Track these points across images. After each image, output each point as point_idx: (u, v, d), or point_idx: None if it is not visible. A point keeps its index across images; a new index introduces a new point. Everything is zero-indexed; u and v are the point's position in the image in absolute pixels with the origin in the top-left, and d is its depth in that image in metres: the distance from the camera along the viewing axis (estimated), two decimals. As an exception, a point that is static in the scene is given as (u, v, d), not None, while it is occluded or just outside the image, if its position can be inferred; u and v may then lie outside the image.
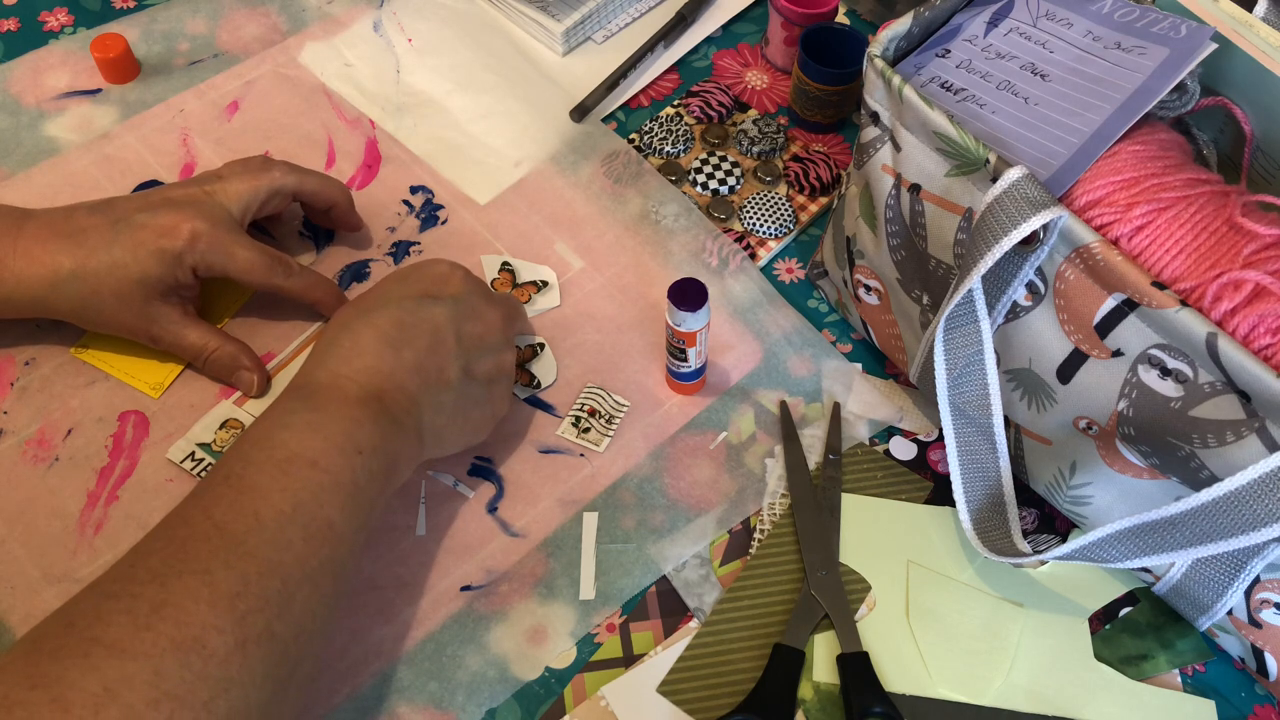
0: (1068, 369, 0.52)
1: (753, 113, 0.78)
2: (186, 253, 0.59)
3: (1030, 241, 0.49)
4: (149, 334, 0.61)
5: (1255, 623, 0.53)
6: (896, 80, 0.52)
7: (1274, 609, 0.52)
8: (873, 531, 0.61)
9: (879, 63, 0.53)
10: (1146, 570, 0.57)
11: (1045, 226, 0.48)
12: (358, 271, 0.69)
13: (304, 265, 0.64)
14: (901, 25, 0.54)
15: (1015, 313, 0.53)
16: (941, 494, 0.62)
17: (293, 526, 0.47)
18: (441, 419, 0.56)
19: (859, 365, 0.67)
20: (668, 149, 0.75)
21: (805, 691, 0.56)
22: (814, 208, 0.74)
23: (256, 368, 0.63)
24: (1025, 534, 0.60)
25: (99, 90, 0.76)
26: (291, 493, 0.48)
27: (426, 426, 0.55)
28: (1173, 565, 0.55)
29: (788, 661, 0.56)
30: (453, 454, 0.59)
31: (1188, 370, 0.47)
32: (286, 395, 0.53)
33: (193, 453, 0.61)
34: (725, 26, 0.83)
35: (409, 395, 0.54)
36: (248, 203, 0.62)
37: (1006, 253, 0.49)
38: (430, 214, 0.72)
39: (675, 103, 0.78)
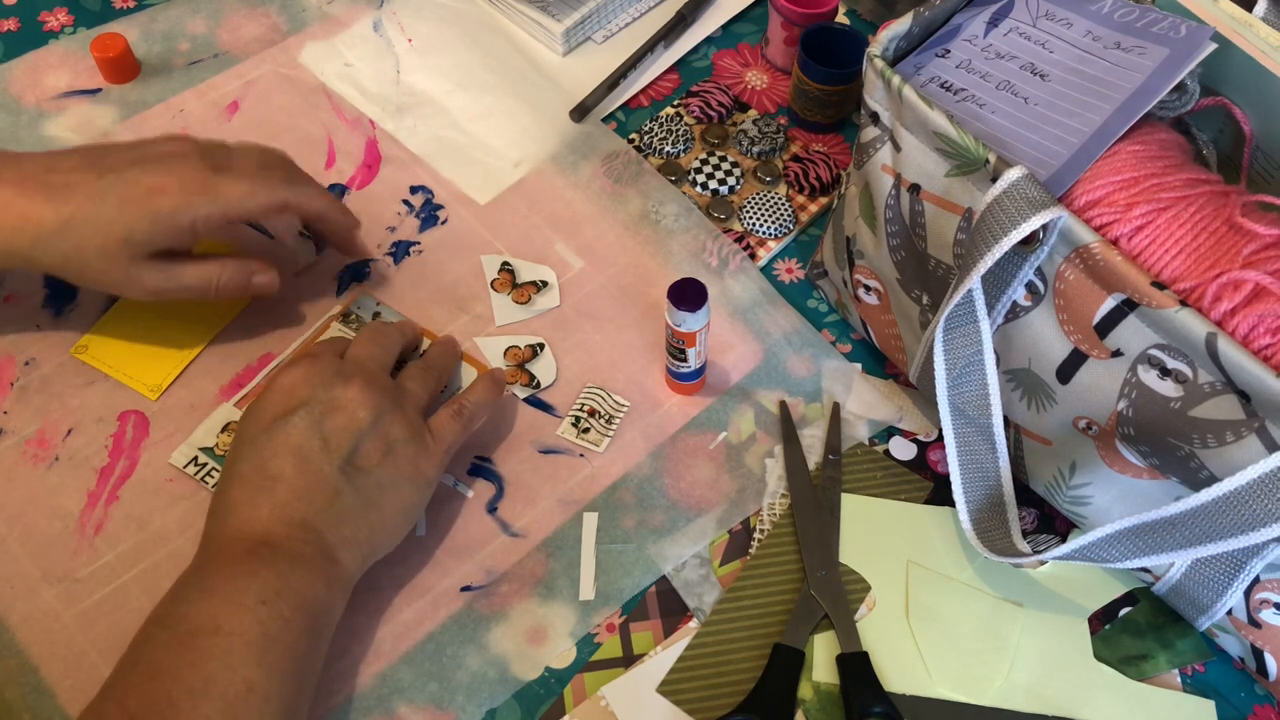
0: (1067, 369, 0.52)
1: (753, 113, 0.78)
2: (180, 212, 0.56)
3: (1030, 241, 0.49)
4: (143, 291, 0.59)
5: (1255, 623, 0.53)
6: (896, 80, 0.52)
7: (1274, 609, 0.52)
8: (873, 531, 0.61)
9: (879, 63, 0.53)
10: (1146, 570, 0.57)
11: (1045, 226, 0.48)
12: (358, 271, 0.69)
13: (299, 170, 0.63)
14: (901, 25, 0.54)
15: (1015, 313, 0.53)
16: (941, 494, 0.62)
17: (207, 701, 0.45)
18: (349, 528, 0.53)
19: (859, 365, 0.67)
20: (668, 149, 0.75)
21: (805, 691, 0.56)
22: (814, 208, 0.74)
23: (266, 267, 0.62)
24: (1025, 534, 0.60)
25: (99, 90, 0.76)
26: (199, 666, 0.46)
27: (337, 543, 0.52)
28: (1172, 565, 0.55)
29: (788, 661, 0.56)
30: (400, 538, 0.56)
31: (1187, 370, 0.47)
32: (184, 573, 0.51)
33: (195, 457, 0.61)
34: (725, 26, 0.83)
35: (300, 525, 0.51)
36: (244, 212, 0.59)
37: (1006, 253, 0.49)
38: (430, 214, 0.72)
39: (675, 103, 0.78)
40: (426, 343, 0.65)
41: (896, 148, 0.55)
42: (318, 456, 0.53)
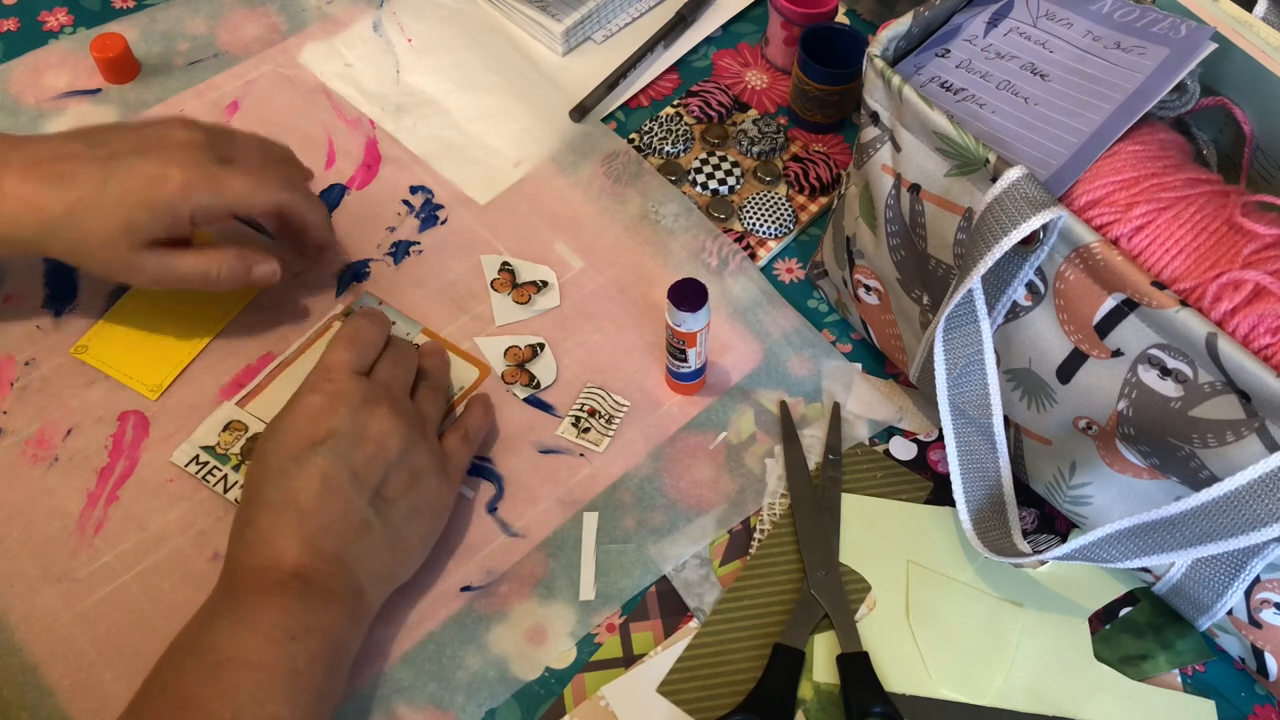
0: (1068, 369, 0.52)
1: (753, 113, 0.78)
2: (179, 202, 0.56)
3: (1030, 241, 0.49)
4: (145, 279, 0.59)
5: (1255, 623, 0.53)
6: (896, 80, 0.52)
7: (1274, 609, 0.52)
8: (873, 531, 0.61)
9: (879, 63, 0.53)
10: (1146, 570, 0.57)
11: (1045, 226, 0.48)
12: (358, 272, 0.69)
13: (301, 167, 0.62)
14: (901, 25, 0.54)
15: (1015, 313, 0.53)
16: (941, 494, 0.62)
17: None
18: (375, 562, 0.53)
19: (859, 365, 0.67)
20: (668, 149, 0.75)
21: (805, 691, 0.56)
22: (814, 208, 0.74)
23: (267, 258, 0.61)
24: (1025, 534, 0.60)
25: (99, 90, 0.76)
26: (228, 699, 0.46)
27: (364, 578, 0.52)
28: (1173, 565, 0.55)
29: (788, 661, 0.56)
30: (418, 566, 0.56)
31: (1188, 370, 0.47)
32: (210, 599, 0.51)
33: (197, 456, 0.61)
34: (725, 26, 0.83)
35: (330, 559, 0.51)
36: (243, 209, 0.59)
37: (1006, 253, 0.49)
38: (430, 214, 0.72)
39: (675, 103, 0.78)
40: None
41: (896, 148, 0.55)
42: (348, 488, 0.52)
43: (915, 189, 0.54)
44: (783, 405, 0.65)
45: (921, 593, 0.59)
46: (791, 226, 0.72)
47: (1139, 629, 0.58)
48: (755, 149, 0.75)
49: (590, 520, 0.60)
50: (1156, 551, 0.49)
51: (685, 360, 0.61)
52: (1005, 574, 0.60)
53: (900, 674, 0.56)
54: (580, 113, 0.76)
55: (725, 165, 0.75)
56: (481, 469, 0.62)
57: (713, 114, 0.77)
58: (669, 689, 0.56)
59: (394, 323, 0.67)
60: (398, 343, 0.61)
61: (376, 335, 0.59)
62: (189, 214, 0.57)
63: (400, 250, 0.70)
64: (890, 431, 0.65)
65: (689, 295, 0.58)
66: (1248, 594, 0.53)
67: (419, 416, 0.57)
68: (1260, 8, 0.59)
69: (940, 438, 0.64)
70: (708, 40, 0.82)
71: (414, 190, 0.73)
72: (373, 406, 0.55)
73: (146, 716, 0.46)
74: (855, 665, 0.56)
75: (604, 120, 0.77)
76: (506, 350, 0.66)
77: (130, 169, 0.56)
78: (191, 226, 0.58)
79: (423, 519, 0.55)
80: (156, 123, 0.60)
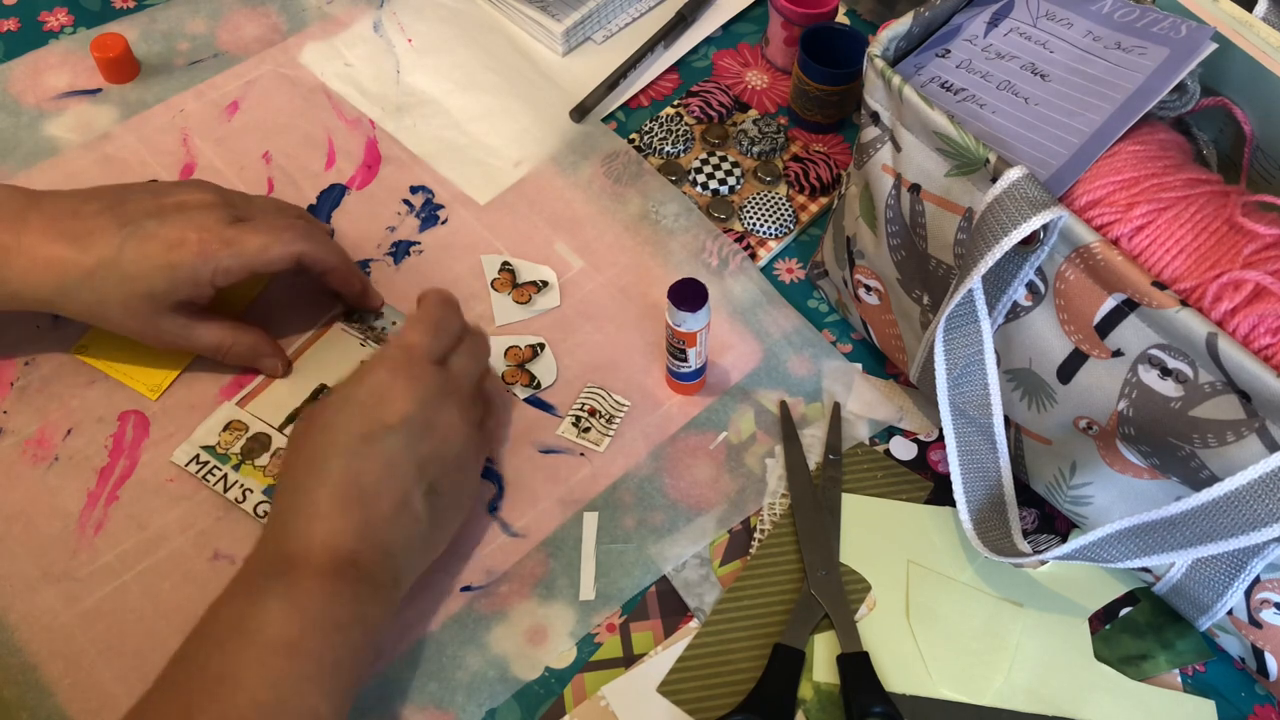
0: (1068, 369, 0.52)
1: (753, 113, 0.78)
2: (200, 265, 0.57)
3: (1030, 241, 0.49)
4: (160, 341, 0.60)
5: (1255, 623, 0.53)
6: (896, 80, 0.52)
7: (1274, 609, 0.52)
8: (873, 531, 0.61)
9: (879, 63, 0.53)
10: (1146, 570, 0.57)
11: (1045, 226, 0.48)
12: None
13: (318, 224, 0.63)
14: (901, 25, 0.54)
15: (1015, 313, 0.53)
16: (941, 494, 0.62)
17: None
18: (415, 554, 0.53)
19: (859, 365, 0.67)
20: (668, 149, 0.75)
21: (805, 691, 0.56)
22: (814, 208, 0.74)
23: (277, 352, 0.63)
24: (1025, 534, 0.60)
25: (99, 90, 0.76)
26: (272, 683, 0.45)
27: (404, 569, 0.52)
28: (1173, 565, 0.55)
29: (788, 661, 0.56)
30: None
31: (1188, 370, 0.47)
32: (255, 568, 0.50)
33: (197, 455, 0.61)
34: (725, 26, 0.83)
35: (381, 549, 0.51)
36: (262, 264, 0.59)
37: (1006, 253, 0.49)
38: (430, 214, 0.72)
39: (675, 103, 0.78)
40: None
41: (897, 148, 0.55)
42: (410, 480, 0.52)
43: (915, 189, 0.54)
44: (783, 405, 0.65)
45: (921, 593, 0.59)
46: (791, 226, 0.72)
47: (1139, 629, 0.58)
48: (755, 149, 0.75)
49: (590, 520, 0.60)
50: (1156, 551, 0.49)
51: (685, 360, 0.61)
52: (1005, 574, 0.60)
53: (900, 674, 0.56)
54: (580, 113, 0.76)
55: (725, 165, 0.75)
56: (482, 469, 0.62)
57: (713, 114, 0.77)
58: (669, 689, 0.56)
59: (395, 322, 0.67)
60: (475, 335, 0.60)
61: (457, 325, 0.58)
62: (209, 276, 0.57)
63: (400, 250, 0.70)
64: (890, 431, 0.65)
65: (689, 295, 0.58)
66: (1248, 594, 0.53)
67: (478, 414, 0.58)
68: (1260, 8, 0.59)
69: (940, 438, 0.64)
70: (708, 40, 0.82)
71: (414, 190, 0.73)
72: (445, 399, 0.54)
73: (180, 690, 0.46)
74: (855, 665, 0.56)
75: (604, 120, 0.77)
76: (507, 350, 0.66)
77: (148, 234, 0.56)
78: (213, 288, 0.58)
79: (457, 517, 0.56)
80: (172, 186, 0.60)
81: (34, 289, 0.56)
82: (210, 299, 0.60)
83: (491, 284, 0.69)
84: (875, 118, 0.56)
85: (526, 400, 0.64)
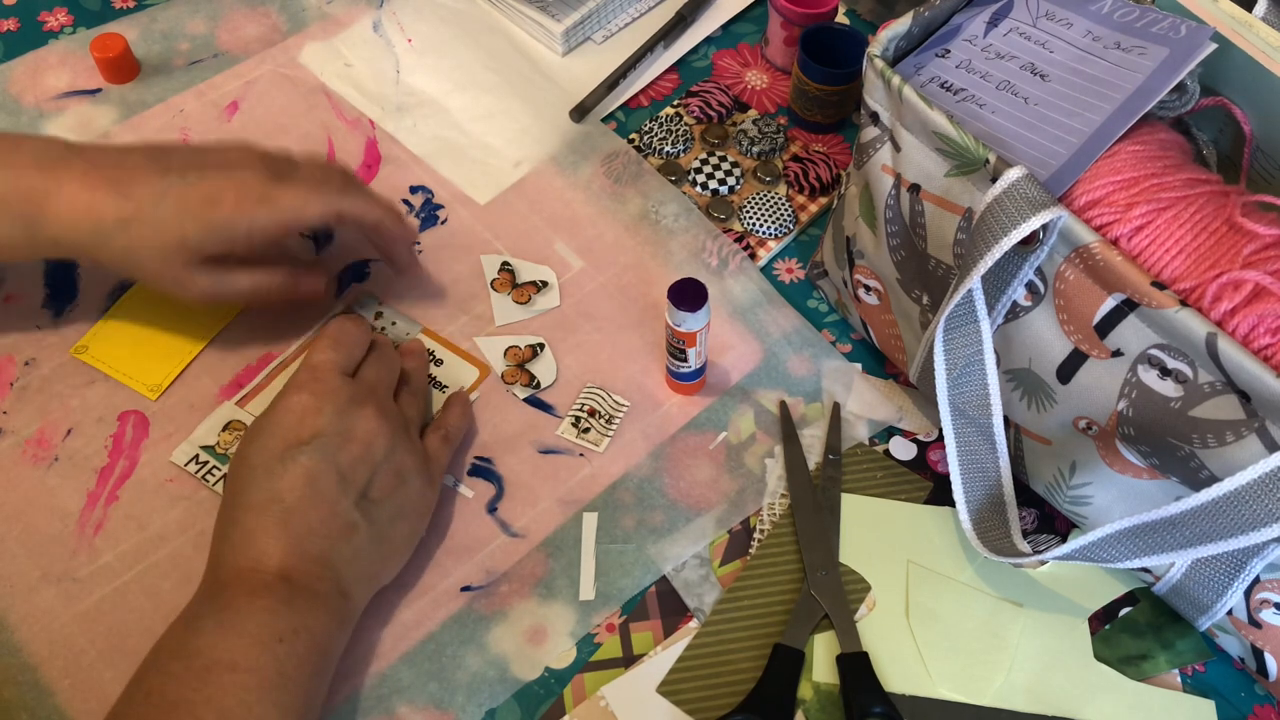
0: (1067, 369, 0.52)
1: (753, 113, 0.78)
2: (236, 221, 0.56)
3: (1030, 241, 0.49)
4: (190, 293, 0.58)
5: (1255, 623, 0.53)
6: (896, 80, 0.52)
7: (1274, 609, 0.52)
8: (873, 531, 0.61)
9: (879, 63, 0.53)
10: (1146, 570, 0.57)
11: (1045, 226, 0.48)
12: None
13: (351, 178, 0.62)
14: (901, 25, 0.54)
15: (1015, 313, 0.53)
16: (941, 494, 0.62)
17: None
18: (361, 563, 0.53)
19: (859, 365, 0.67)
20: (668, 149, 0.75)
21: (805, 691, 0.56)
22: (814, 208, 0.74)
23: (314, 274, 0.62)
24: (1025, 534, 0.60)
25: (99, 90, 0.76)
26: (216, 702, 0.45)
27: (349, 579, 0.52)
28: (1173, 565, 0.55)
29: (788, 661, 0.56)
30: (401, 566, 0.56)
31: (1187, 370, 0.47)
32: (195, 600, 0.50)
33: (196, 455, 0.61)
34: (725, 26, 0.83)
35: (316, 561, 0.51)
36: (300, 221, 0.58)
37: (1006, 253, 0.49)
38: (430, 214, 0.72)
39: (675, 103, 0.78)
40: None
41: (896, 148, 0.55)
42: (334, 490, 0.52)
43: (915, 189, 0.54)
44: (783, 405, 0.65)
45: (921, 593, 0.59)
46: (791, 226, 0.72)
47: (1139, 629, 0.58)
48: (755, 149, 0.75)
49: (590, 520, 0.60)
50: (1156, 551, 0.49)
51: (685, 360, 0.61)
52: (1005, 574, 0.60)
53: (900, 674, 0.56)
54: (580, 113, 0.76)
55: (725, 165, 0.75)
56: (481, 469, 0.62)
57: (713, 114, 0.77)
58: (669, 689, 0.56)
59: (394, 322, 0.67)
60: (382, 345, 0.61)
61: (361, 336, 0.59)
62: (245, 232, 0.57)
63: (400, 250, 0.70)
64: (890, 431, 0.65)
65: (689, 295, 0.58)
66: (1247, 594, 0.53)
67: (403, 416, 0.57)
68: (1260, 8, 0.59)
69: (940, 438, 0.64)
70: (708, 40, 0.82)
71: (414, 190, 0.73)
72: (359, 407, 0.54)
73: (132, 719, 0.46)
74: (855, 665, 0.56)
75: (604, 120, 0.77)
76: (506, 350, 0.66)
77: (189, 186, 0.56)
78: (249, 245, 0.58)
79: (407, 520, 0.56)
80: (216, 145, 0.60)
81: (72, 234, 0.56)
82: (245, 255, 0.59)
83: (491, 284, 0.69)
84: (875, 118, 0.56)
85: (526, 400, 0.64)
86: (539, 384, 0.65)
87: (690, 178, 0.74)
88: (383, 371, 0.59)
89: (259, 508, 0.51)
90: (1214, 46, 0.51)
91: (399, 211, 0.64)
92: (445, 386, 0.64)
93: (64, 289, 0.66)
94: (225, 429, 0.62)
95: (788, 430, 0.63)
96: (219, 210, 0.56)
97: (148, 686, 0.47)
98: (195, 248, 0.57)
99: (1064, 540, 0.59)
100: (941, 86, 0.54)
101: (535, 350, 0.66)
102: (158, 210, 0.56)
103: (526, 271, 0.69)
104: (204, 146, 0.60)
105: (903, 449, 0.64)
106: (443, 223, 0.71)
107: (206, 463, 0.61)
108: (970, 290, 0.52)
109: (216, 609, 0.49)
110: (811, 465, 0.63)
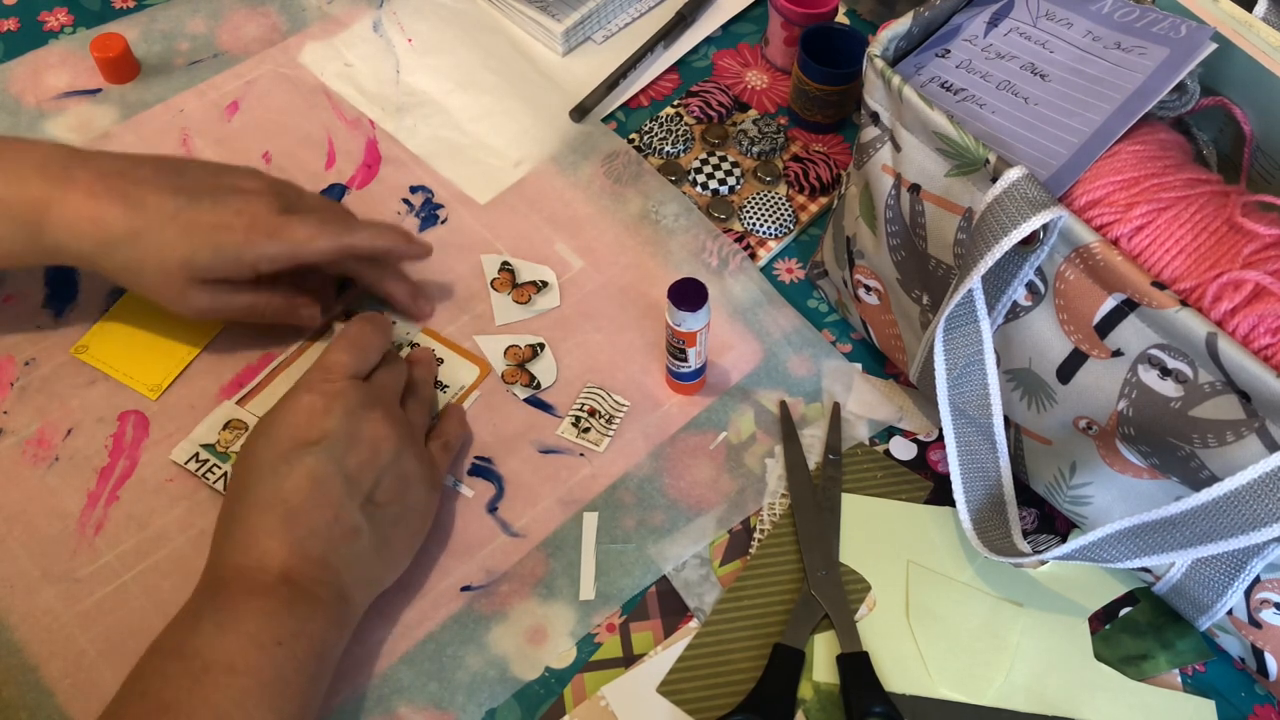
0: (1068, 369, 0.52)
1: (753, 113, 0.78)
2: (245, 250, 0.57)
3: (1030, 241, 0.49)
4: (186, 309, 0.59)
5: (1255, 623, 0.53)
6: (896, 80, 0.52)
7: (1274, 609, 0.52)
8: (873, 531, 0.61)
9: (879, 63, 0.53)
10: (1146, 570, 0.57)
11: (1045, 226, 0.48)
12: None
13: (355, 215, 0.63)
14: (901, 25, 0.54)
15: (1015, 313, 0.53)
16: (941, 494, 0.62)
17: None
18: (363, 567, 0.53)
19: (859, 365, 0.67)
20: (668, 149, 0.75)
21: (805, 691, 0.56)
22: (814, 208, 0.74)
23: (311, 303, 0.63)
24: (1025, 534, 0.60)
25: (99, 90, 0.76)
26: (212, 705, 0.45)
27: (350, 583, 0.52)
28: (1173, 565, 0.55)
29: (788, 661, 0.56)
30: (402, 571, 0.56)
31: (1188, 370, 0.47)
32: (194, 598, 0.50)
33: (196, 454, 0.61)
34: (725, 26, 0.83)
35: (318, 564, 0.51)
36: (308, 255, 0.59)
37: (1006, 253, 0.49)
38: (430, 214, 0.72)
39: (675, 103, 0.78)
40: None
41: (896, 148, 0.55)
42: (340, 492, 0.52)
43: (915, 189, 0.54)
44: (783, 405, 0.65)
45: (921, 593, 0.59)
46: (791, 226, 0.72)
47: (1139, 629, 0.58)
48: (755, 149, 0.75)
49: (590, 520, 0.60)
50: (1156, 551, 0.49)
51: (685, 360, 0.61)
52: (1005, 574, 0.60)
53: (900, 674, 0.56)
54: (580, 113, 0.76)
55: (725, 165, 0.75)
56: (481, 469, 0.62)
57: (713, 114, 0.77)
58: (669, 689, 0.56)
59: (394, 322, 0.67)
60: (391, 354, 0.61)
61: (380, 341, 0.59)
62: (252, 263, 0.58)
63: (400, 250, 0.70)
64: (890, 431, 0.65)
65: (689, 295, 0.58)
66: (1248, 594, 0.53)
67: (409, 422, 0.57)
68: (1260, 8, 0.59)
69: (940, 438, 0.64)
70: (708, 40, 0.82)
71: (414, 190, 0.73)
72: (368, 411, 0.54)
73: None
74: (855, 665, 0.56)
75: (604, 120, 0.77)
76: (506, 350, 0.66)
77: (200, 211, 0.56)
78: (254, 274, 0.58)
79: (409, 525, 0.55)
80: (228, 169, 0.60)
81: (75, 243, 0.56)
82: (248, 279, 0.59)
83: (491, 284, 0.69)
84: (875, 118, 0.56)
85: (526, 400, 0.64)
86: (539, 384, 0.65)
87: (690, 178, 0.74)
88: (390, 377, 0.59)
89: (263, 506, 0.51)
90: (1214, 46, 0.51)
91: (406, 231, 0.64)
92: (446, 386, 0.64)
93: (64, 289, 0.66)
94: (225, 428, 0.62)
95: (788, 430, 0.63)
96: (229, 239, 0.56)
97: (143, 687, 0.47)
98: (201, 270, 0.57)
99: (1064, 540, 0.59)
100: (942, 86, 0.54)
101: (535, 350, 0.66)
102: (165, 230, 0.56)
103: (526, 271, 0.69)
104: (215, 167, 0.60)
105: (903, 449, 0.64)
106: (443, 223, 0.71)
107: (207, 461, 0.61)
108: (970, 290, 0.52)
109: (215, 608, 0.49)
110: (811, 465, 0.63)
